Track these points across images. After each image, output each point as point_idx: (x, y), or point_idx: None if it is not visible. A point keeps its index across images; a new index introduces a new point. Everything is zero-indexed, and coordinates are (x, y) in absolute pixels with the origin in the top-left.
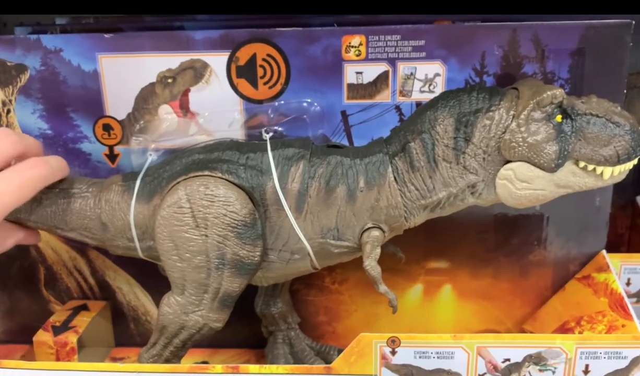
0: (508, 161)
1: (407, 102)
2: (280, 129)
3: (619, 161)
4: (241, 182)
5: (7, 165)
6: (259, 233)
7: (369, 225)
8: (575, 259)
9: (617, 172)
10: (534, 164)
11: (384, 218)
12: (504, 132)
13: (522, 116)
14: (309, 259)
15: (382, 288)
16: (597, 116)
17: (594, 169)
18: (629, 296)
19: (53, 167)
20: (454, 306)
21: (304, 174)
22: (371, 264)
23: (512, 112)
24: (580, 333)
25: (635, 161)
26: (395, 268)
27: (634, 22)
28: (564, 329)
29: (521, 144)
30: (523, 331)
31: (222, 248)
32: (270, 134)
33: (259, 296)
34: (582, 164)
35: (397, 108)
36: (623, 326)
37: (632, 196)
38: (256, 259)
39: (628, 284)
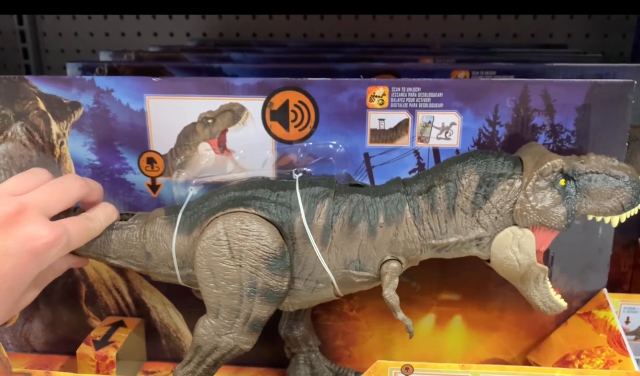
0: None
1: (425, 147)
2: (308, 169)
3: (623, 209)
4: (272, 218)
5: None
6: (287, 264)
7: (388, 257)
8: (577, 296)
9: (624, 219)
10: (547, 227)
11: (401, 251)
12: (515, 202)
13: (528, 187)
14: (332, 287)
15: (400, 315)
16: (597, 172)
17: (602, 219)
18: (628, 333)
19: (113, 213)
20: (463, 335)
21: (328, 210)
22: (390, 293)
23: (524, 183)
24: (580, 366)
25: (639, 206)
26: (409, 298)
27: (635, 82)
28: (565, 361)
29: (531, 211)
30: (527, 361)
31: (254, 278)
32: (300, 174)
33: (282, 319)
34: (590, 217)
35: (416, 152)
36: (620, 361)
37: (635, 237)
38: (284, 288)
39: (627, 322)
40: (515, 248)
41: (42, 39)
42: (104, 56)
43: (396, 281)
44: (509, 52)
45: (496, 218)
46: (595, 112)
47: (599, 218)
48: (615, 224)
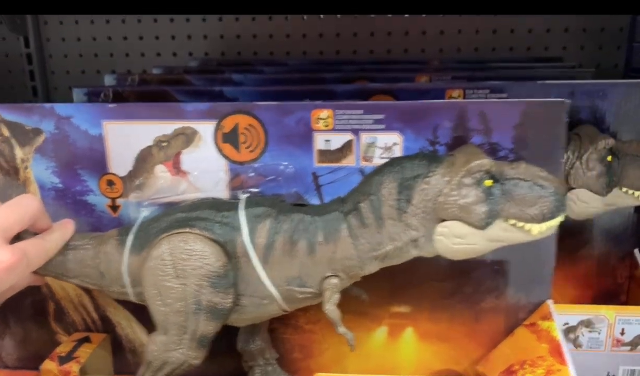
0: (444, 220)
1: (369, 166)
2: (258, 190)
3: (543, 219)
4: (216, 237)
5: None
6: (231, 282)
7: (328, 274)
8: (524, 308)
9: (544, 229)
10: (466, 223)
11: (341, 267)
12: (438, 196)
13: (453, 182)
14: (277, 303)
15: (341, 329)
16: (525, 179)
17: (523, 226)
18: (623, 345)
19: (68, 231)
20: (416, 347)
21: (269, 230)
22: (330, 308)
23: (446, 178)
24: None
25: (560, 218)
26: (362, 311)
27: (570, 101)
28: (509, 371)
29: (453, 206)
30: (477, 371)
31: (198, 296)
32: (247, 195)
33: (240, 334)
34: (511, 221)
35: (361, 171)
36: (558, 370)
37: (630, 249)
38: (228, 305)
39: (622, 333)
40: (457, 240)
41: (48, 61)
42: (108, 80)
43: (337, 296)
44: (504, 68)
45: (423, 217)
46: (530, 131)
47: (519, 224)
48: (534, 232)
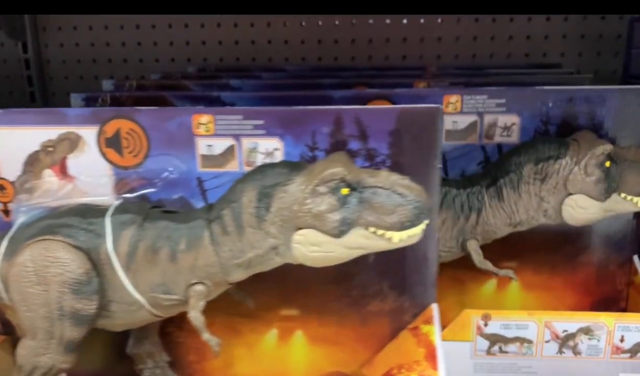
0: (301, 228)
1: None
2: (142, 194)
3: (402, 227)
4: (80, 245)
5: None
6: (94, 289)
7: (193, 281)
8: (408, 311)
9: (405, 237)
10: (320, 231)
11: (204, 275)
12: (294, 204)
13: (307, 190)
14: (145, 309)
15: (205, 336)
16: (383, 188)
17: (384, 234)
18: (623, 352)
19: None
20: (306, 349)
21: (132, 237)
22: (195, 315)
23: (302, 187)
24: None
25: (422, 226)
26: (253, 314)
27: (442, 106)
28: (388, 375)
29: (307, 214)
30: (362, 374)
31: (60, 302)
32: (118, 202)
33: (130, 338)
34: (371, 229)
35: None
36: None
37: (629, 255)
38: (92, 311)
39: (622, 340)
40: (313, 248)
41: (46, 66)
42: (106, 85)
43: (202, 303)
44: (502, 74)
45: (281, 225)
46: (406, 137)
47: (380, 232)
48: (395, 240)
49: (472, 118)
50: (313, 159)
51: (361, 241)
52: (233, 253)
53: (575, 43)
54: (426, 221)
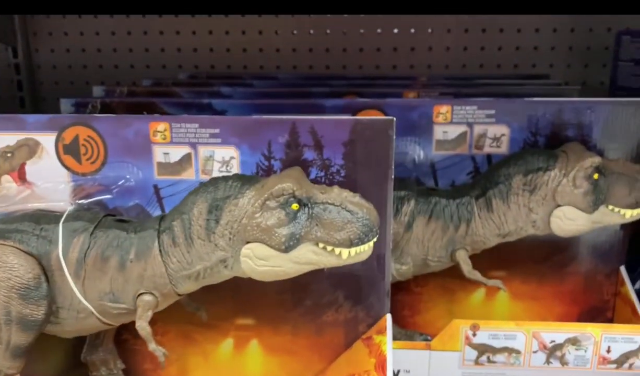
0: (249, 242)
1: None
2: (104, 197)
3: (351, 244)
4: (31, 250)
5: None
6: (43, 294)
7: (142, 291)
8: (363, 321)
9: (353, 253)
10: (268, 245)
11: (152, 285)
12: (243, 218)
13: (256, 204)
14: (95, 317)
15: (152, 346)
16: (334, 204)
17: (333, 250)
18: (609, 362)
19: None
20: (261, 359)
21: (83, 245)
22: (142, 325)
23: (252, 200)
24: None
25: (370, 244)
26: (208, 323)
27: (395, 118)
28: None
29: (256, 228)
30: None
31: (8, 307)
32: (71, 208)
33: (85, 345)
34: (321, 245)
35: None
36: None
37: (616, 266)
38: (40, 317)
39: (608, 351)
40: (260, 261)
41: (37, 71)
42: (97, 91)
43: (149, 313)
44: (491, 84)
45: (230, 238)
46: (360, 148)
47: (329, 248)
48: (344, 256)
49: (462, 128)
50: (269, 169)
51: (310, 257)
52: (182, 265)
53: (563, 55)
54: (374, 239)
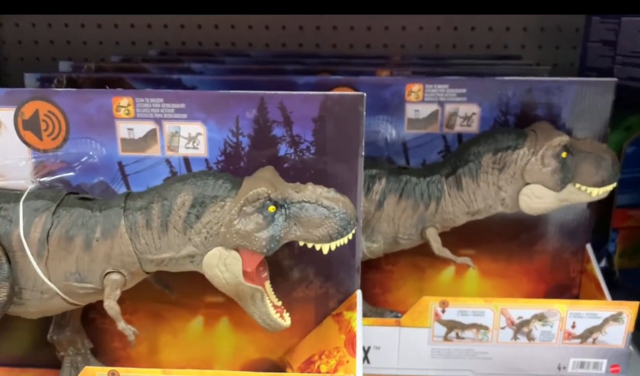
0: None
1: (175, 156)
2: (67, 174)
3: (331, 239)
4: None
5: None
6: (4, 276)
7: (109, 270)
8: (333, 298)
9: (334, 248)
10: (250, 250)
11: (120, 264)
12: (223, 224)
13: (233, 211)
14: (59, 297)
15: (121, 325)
16: (309, 202)
17: (313, 247)
18: (574, 337)
19: None
20: (232, 336)
21: (45, 224)
22: (110, 304)
23: (229, 208)
24: (318, 367)
25: (350, 236)
26: (178, 301)
27: (365, 94)
28: (309, 362)
29: (235, 235)
30: (286, 361)
31: None
32: (32, 186)
33: (52, 324)
34: (301, 243)
35: (167, 161)
36: (347, 362)
37: (583, 244)
38: (2, 299)
39: (573, 326)
40: (222, 268)
41: (2, 46)
42: (63, 66)
43: (117, 292)
44: (464, 64)
45: (206, 237)
46: (330, 124)
47: (309, 245)
48: (325, 252)
49: (434, 107)
50: (237, 145)
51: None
52: (149, 248)
53: (535, 36)
54: (353, 231)
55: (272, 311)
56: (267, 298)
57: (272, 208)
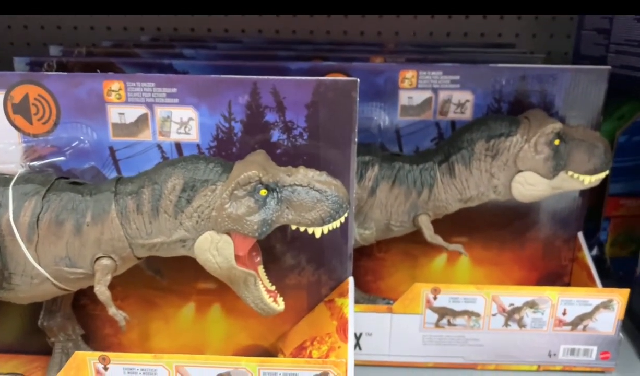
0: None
1: (167, 141)
2: (58, 159)
3: (323, 222)
4: None
5: None
6: None
7: (100, 255)
8: (325, 284)
9: (326, 231)
10: (241, 234)
11: (111, 249)
12: (214, 208)
13: (224, 195)
14: (49, 282)
15: (112, 310)
16: (301, 185)
17: (306, 230)
18: (565, 324)
19: None
20: (224, 323)
21: (34, 208)
22: (101, 289)
23: (220, 192)
24: (310, 353)
25: (342, 219)
26: (170, 287)
27: (359, 79)
28: (301, 347)
29: (226, 218)
30: (278, 347)
31: None
32: (23, 169)
33: (42, 310)
34: (294, 227)
35: (159, 147)
36: (339, 347)
37: (574, 232)
38: None
39: (564, 313)
40: (214, 252)
41: None
42: (54, 51)
43: (108, 277)
44: (457, 52)
45: (197, 221)
46: (323, 110)
47: (302, 229)
48: (317, 234)
49: (427, 94)
50: (229, 131)
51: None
52: (140, 233)
53: (529, 25)
54: (345, 214)
55: (265, 295)
56: (260, 282)
57: (263, 192)
